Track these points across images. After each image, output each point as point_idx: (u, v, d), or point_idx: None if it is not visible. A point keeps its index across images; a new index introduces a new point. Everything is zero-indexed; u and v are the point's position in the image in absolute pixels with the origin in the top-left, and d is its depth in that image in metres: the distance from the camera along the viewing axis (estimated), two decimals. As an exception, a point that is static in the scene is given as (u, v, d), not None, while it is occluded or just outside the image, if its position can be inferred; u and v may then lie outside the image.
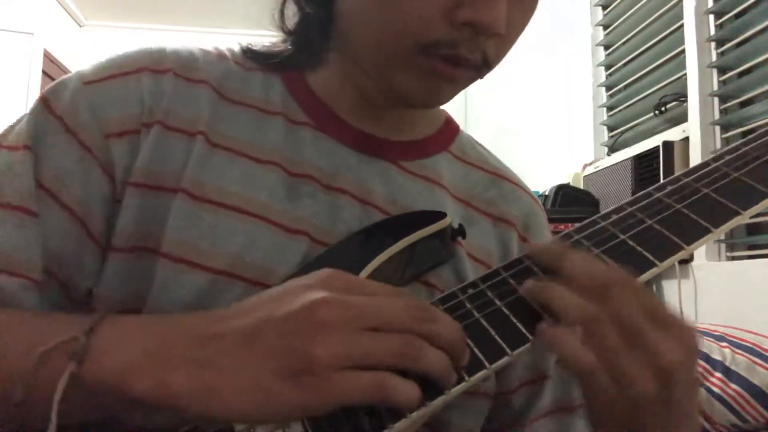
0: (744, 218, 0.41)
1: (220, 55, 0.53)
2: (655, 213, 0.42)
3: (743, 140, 0.47)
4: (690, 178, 0.44)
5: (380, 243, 0.45)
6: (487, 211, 0.56)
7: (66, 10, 3.99)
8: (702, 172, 0.44)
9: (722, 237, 1.59)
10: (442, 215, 0.48)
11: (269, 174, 0.48)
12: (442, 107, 0.56)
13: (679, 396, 0.35)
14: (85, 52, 4.05)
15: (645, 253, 0.39)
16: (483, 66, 0.46)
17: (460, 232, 0.50)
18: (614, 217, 0.42)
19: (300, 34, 0.52)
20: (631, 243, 0.40)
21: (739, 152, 0.45)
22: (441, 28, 0.43)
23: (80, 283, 0.45)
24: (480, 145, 0.63)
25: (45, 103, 0.47)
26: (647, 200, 0.43)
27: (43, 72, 3.59)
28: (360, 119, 0.53)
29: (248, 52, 0.54)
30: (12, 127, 0.47)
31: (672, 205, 0.42)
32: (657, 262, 0.39)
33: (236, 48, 0.54)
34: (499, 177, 0.59)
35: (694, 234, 0.40)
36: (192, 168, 0.46)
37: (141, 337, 0.34)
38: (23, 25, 3.52)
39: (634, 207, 0.43)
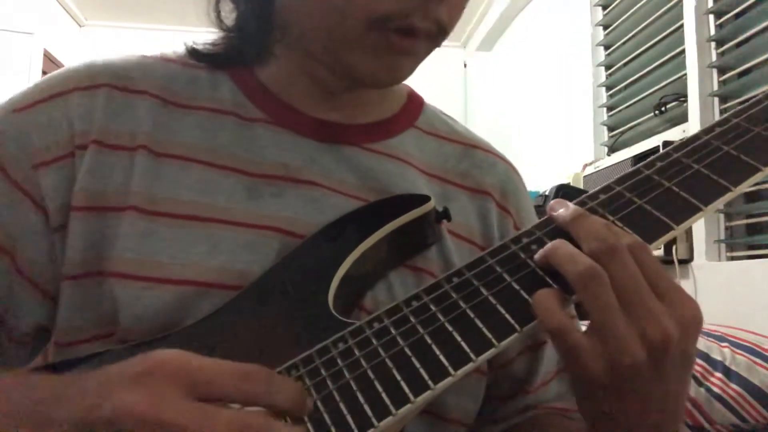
0: (735, 194, 0.40)
1: (164, 59, 0.51)
2: (645, 192, 0.41)
3: (733, 111, 0.45)
4: (680, 153, 0.43)
5: (363, 230, 0.44)
6: (463, 184, 0.55)
7: (66, 10, 3.98)
8: (692, 146, 0.43)
9: (722, 237, 1.59)
10: (426, 199, 0.47)
11: (226, 178, 0.46)
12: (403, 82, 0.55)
13: (669, 371, 0.35)
14: (85, 52, 4.05)
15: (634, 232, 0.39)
16: (438, 33, 0.45)
17: (445, 215, 0.49)
18: (602, 197, 0.42)
19: (239, 30, 0.51)
20: (620, 224, 0.39)
21: (730, 124, 0.44)
22: (389, 0, 0.41)
23: (15, 319, 0.44)
24: (447, 115, 0.61)
25: None
26: (637, 178, 0.42)
27: (43, 72, 3.59)
28: (317, 108, 0.51)
29: (193, 53, 0.52)
30: None
31: (662, 183, 0.41)
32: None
33: (181, 49, 0.53)
34: (471, 146, 0.58)
35: (682, 213, 0.39)
36: (138, 183, 0.44)
37: None
38: (23, 25, 3.52)
39: (623, 186, 0.42)
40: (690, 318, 0.35)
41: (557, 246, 0.37)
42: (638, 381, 0.35)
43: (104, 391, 0.30)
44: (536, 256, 0.38)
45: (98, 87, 0.47)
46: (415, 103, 0.59)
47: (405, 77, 0.48)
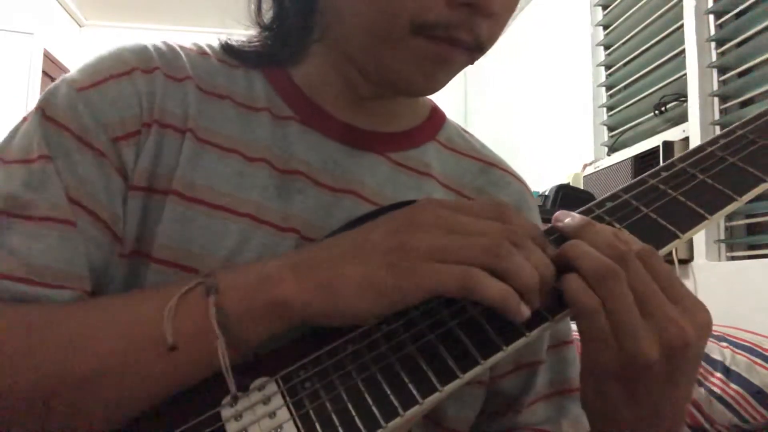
0: (740, 204, 0.41)
1: (201, 52, 0.52)
2: (651, 201, 0.42)
3: (738, 123, 0.46)
4: (685, 163, 0.44)
5: None
6: None
7: (66, 10, 3.98)
8: (697, 157, 0.44)
9: (722, 237, 1.59)
10: None
11: (259, 172, 0.47)
12: (428, 97, 0.55)
13: (681, 373, 0.35)
14: (85, 52, 4.05)
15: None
16: (476, 49, 0.46)
17: None
18: (609, 204, 0.42)
19: (278, 28, 0.51)
20: (627, 231, 0.40)
21: (735, 136, 0.45)
22: (439, 9, 0.42)
23: (106, 289, 0.44)
24: (467, 132, 0.62)
25: (44, 114, 0.45)
26: (643, 187, 0.43)
27: (43, 72, 3.59)
28: (346, 112, 0.52)
29: (228, 49, 0.53)
30: (9, 141, 0.45)
31: (668, 192, 0.42)
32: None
33: (216, 44, 0.53)
34: (488, 164, 0.59)
35: (688, 222, 0.40)
36: (183, 167, 0.45)
37: (261, 263, 0.39)
38: (23, 25, 3.52)
39: (629, 194, 0.42)
40: (704, 322, 0.36)
41: (577, 242, 0.37)
42: (651, 382, 0.35)
43: (395, 213, 0.39)
44: (552, 253, 0.38)
45: (154, 70, 0.48)
46: (437, 117, 0.59)
47: (438, 88, 0.48)
